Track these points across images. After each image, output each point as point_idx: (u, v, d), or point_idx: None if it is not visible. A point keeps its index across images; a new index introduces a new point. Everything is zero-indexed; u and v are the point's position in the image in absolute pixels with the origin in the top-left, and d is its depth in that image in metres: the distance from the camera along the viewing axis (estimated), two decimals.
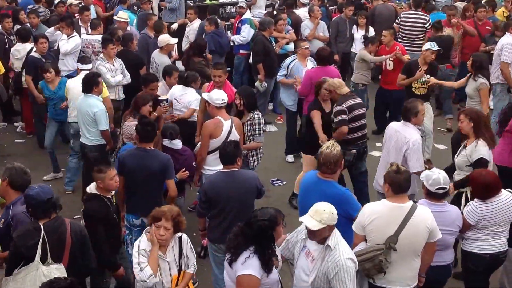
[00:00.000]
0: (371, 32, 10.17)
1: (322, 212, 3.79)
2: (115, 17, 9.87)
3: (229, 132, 5.78)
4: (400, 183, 4.18)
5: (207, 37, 9.28)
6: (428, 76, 7.82)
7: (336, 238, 3.87)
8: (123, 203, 5.37)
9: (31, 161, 7.68)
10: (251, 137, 6.19)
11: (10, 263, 4.06)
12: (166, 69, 7.46)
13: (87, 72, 7.18)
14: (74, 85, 7.11)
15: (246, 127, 6.17)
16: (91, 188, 4.79)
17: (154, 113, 6.47)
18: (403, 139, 5.60)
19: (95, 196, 4.75)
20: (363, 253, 4.15)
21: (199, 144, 6.11)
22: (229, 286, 4.00)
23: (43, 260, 4.01)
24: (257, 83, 9.06)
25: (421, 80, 7.80)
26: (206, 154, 5.82)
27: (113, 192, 4.86)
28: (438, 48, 7.82)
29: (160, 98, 6.63)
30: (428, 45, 7.84)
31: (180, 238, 4.25)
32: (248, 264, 3.77)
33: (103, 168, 4.73)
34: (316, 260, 3.90)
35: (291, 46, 9.67)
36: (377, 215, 4.17)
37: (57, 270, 4.01)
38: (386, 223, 4.14)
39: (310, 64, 8.00)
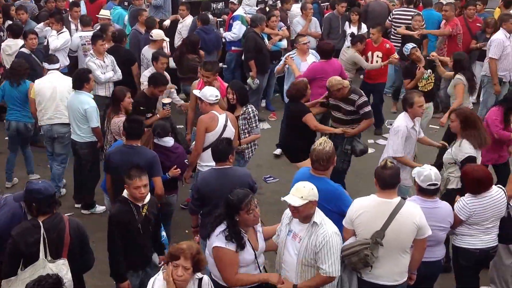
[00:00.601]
0: (364, 29, 10.16)
1: (302, 189, 3.92)
2: (97, 15, 9.73)
3: (225, 126, 5.80)
4: (385, 179, 4.19)
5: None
6: (430, 71, 7.91)
7: (320, 215, 4.01)
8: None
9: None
10: (245, 131, 6.25)
11: (11, 263, 3.97)
12: (153, 55, 7.46)
13: (54, 72, 7.06)
14: (43, 86, 6.95)
15: (240, 121, 6.22)
16: (125, 191, 4.56)
17: (157, 115, 6.47)
18: (393, 125, 5.91)
19: (123, 199, 4.51)
20: (350, 247, 4.17)
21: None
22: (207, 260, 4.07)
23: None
24: (249, 80, 9.03)
25: (424, 77, 7.88)
26: (201, 149, 5.82)
27: (145, 201, 4.54)
28: (413, 47, 7.92)
29: (163, 101, 6.62)
30: (405, 52, 8.04)
31: (200, 280, 3.76)
32: (222, 237, 3.94)
33: (132, 174, 4.43)
34: (303, 238, 3.99)
35: (284, 43, 9.65)
36: (365, 209, 4.19)
37: (64, 266, 4.00)
38: (373, 218, 4.16)
39: (312, 58, 8.05)
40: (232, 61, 9.85)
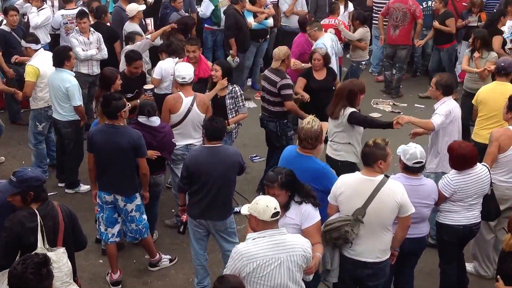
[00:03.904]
0: (350, 7, 10.14)
1: (254, 201, 3.67)
2: None
3: (189, 109, 5.77)
4: (362, 156, 4.25)
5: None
6: None
7: (256, 236, 3.61)
8: (95, 180, 5.28)
9: (2, 137, 7.50)
10: (233, 110, 6.24)
11: (6, 255, 3.77)
12: (128, 35, 7.35)
13: (41, 51, 6.88)
14: (47, 68, 6.62)
15: (228, 100, 6.20)
16: None
17: (137, 100, 6.31)
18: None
19: None
20: (331, 222, 4.20)
21: None
22: None
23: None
24: (229, 58, 8.94)
25: None
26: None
27: None
28: None
29: (145, 87, 6.51)
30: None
31: None
32: None
33: None
34: None
35: (270, 21, 9.55)
36: (348, 186, 4.21)
37: (64, 254, 3.88)
38: (355, 195, 4.17)
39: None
40: (207, 38, 9.67)
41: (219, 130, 4.83)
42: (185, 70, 5.83)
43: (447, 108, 5.52)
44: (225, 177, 4.80)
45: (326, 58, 7.01)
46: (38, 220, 3.81)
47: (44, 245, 3.83)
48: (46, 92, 6.70)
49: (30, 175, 3.88)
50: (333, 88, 6.80)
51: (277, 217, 3.61)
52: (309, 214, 4.04)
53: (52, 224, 3.89)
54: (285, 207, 4.00)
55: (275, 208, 3.58)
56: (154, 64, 8.64)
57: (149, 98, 6.41)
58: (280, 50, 6.62)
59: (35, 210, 3.85)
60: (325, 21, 9.04)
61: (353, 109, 5.53)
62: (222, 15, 9.33)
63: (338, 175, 4.55)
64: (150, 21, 8.76)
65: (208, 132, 4.86)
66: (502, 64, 6.28)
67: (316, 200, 4.10)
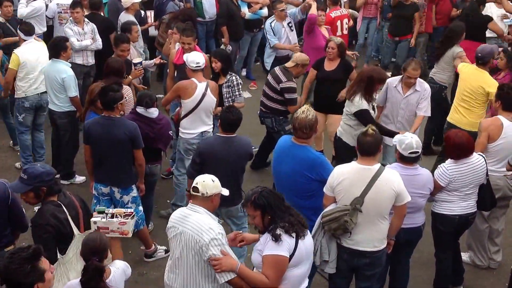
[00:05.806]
0: None
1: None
2: None
3: (204, 95, 5.80)
4: (363, 146, 4.23)
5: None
6: None
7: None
8: (92, 172, 5.28)
9: None
10: (229, 99, 6.28)
11: (53, 247, 3.79)
12: (124, 26, 7.29)
13: (31, 40, 6.82)
14: (28, 57, 6.65)
15: (224, 89, 6.25)
16: None
17: (129, 76, 6.35)
18: None
19: None
20: (330, 213, 4.21)
21: (177, 109, 6.13)
22: None
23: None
24: (222, 47, 8.94)
25: None
26: (166, 105, 6.21)
27: None
28: None
29: (133, 61, 6.49)
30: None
31: None
32: None
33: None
34: None
35: (265, 11, 9.52)
36: (345, 176, 4.21)
37: None
38: (353, 185, 4.18)
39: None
40: (197, 29, 9.59)
41: (234, 122, 4.93)
42: (198, 57, 5.86)
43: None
44: (236, 167, 4.91)
45: (342, 47, 6.81)
46: (65, 210, 3.89)
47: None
48: (25, 82, 6.67)
49: (41, 170, 3.90)
50: (343, 81, 6.77)
51: (196, 193, 3.74)
52: (267, 243, 3.56)
53: (75, 213, 3.98)
54: (262, 231, 3.67)
55: (197, 183, 3.75)
56: (151, 55, 8.66)
57: (139, 71, 6.44)
58: (301, 55, 6.71)
59: (59, 202, 3.91)
60: (336, 13, 8.90)
61: (366, 107, 5.68)
62: (206, 7, 9.29)
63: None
64: (150, 14, 8.72)
65: (224, 123, 4.94)
66: (480, 54, 6.38)
67: (296, 232, 3.57)
